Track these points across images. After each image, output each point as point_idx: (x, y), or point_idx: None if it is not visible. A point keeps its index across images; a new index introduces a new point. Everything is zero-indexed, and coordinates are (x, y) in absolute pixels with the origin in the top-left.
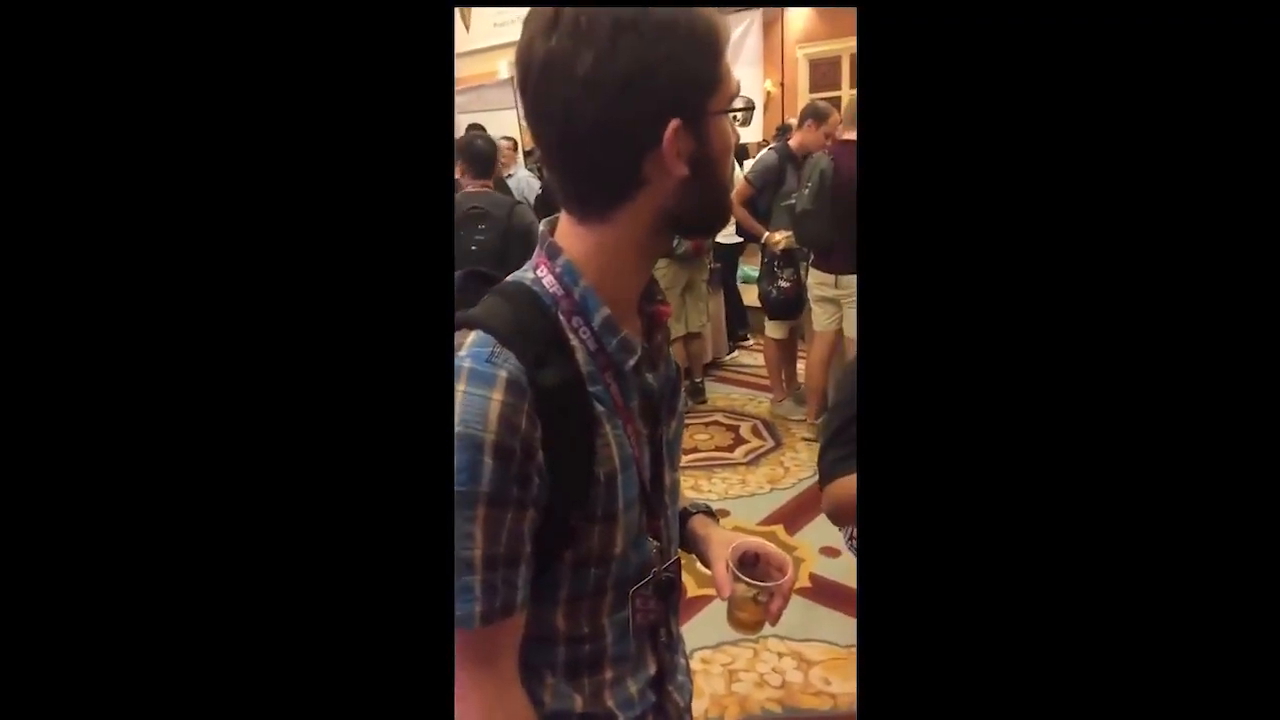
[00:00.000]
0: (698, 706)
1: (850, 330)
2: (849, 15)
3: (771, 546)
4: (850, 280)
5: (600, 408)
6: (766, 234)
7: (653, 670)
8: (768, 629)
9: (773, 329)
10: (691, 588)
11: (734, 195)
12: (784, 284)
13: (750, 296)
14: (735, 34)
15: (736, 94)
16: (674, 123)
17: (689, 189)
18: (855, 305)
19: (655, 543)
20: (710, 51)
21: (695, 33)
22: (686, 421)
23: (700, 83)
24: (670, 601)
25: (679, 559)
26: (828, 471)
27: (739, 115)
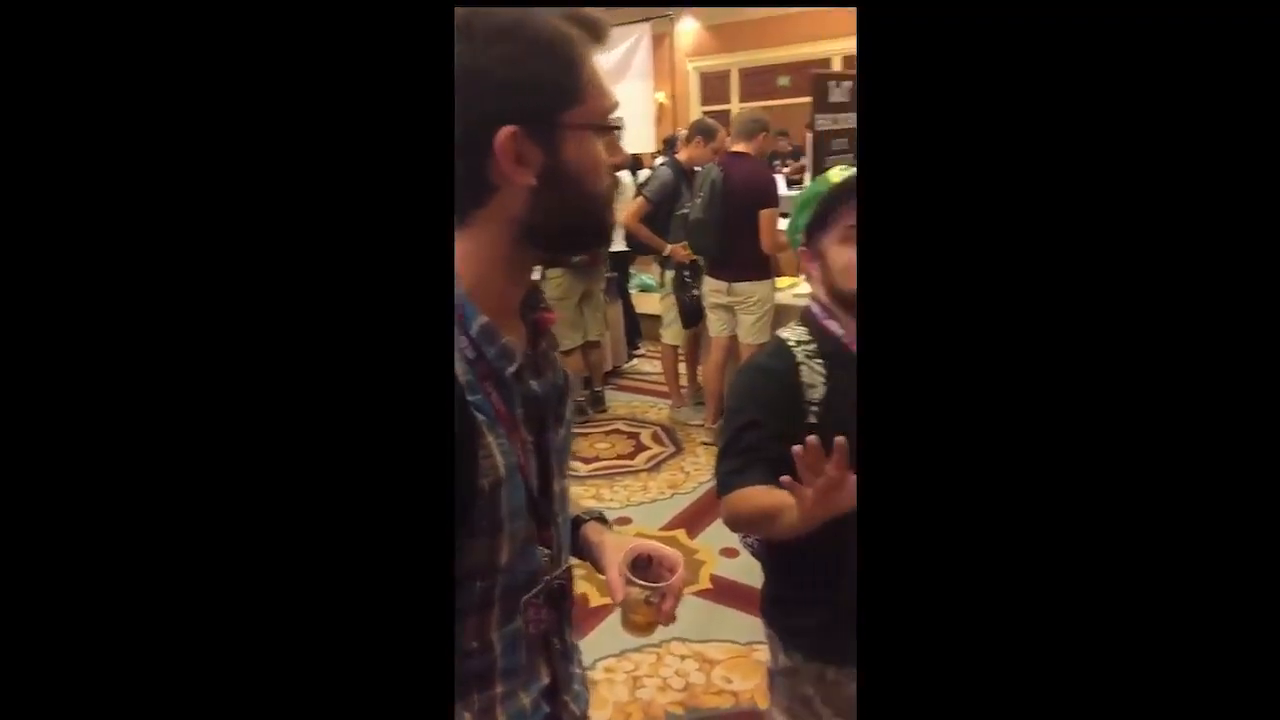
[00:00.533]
0: (600, 716)
1: (745, 336)
2: (739, 30)
3: (663, 547)
4: (744, 287)
5: (481, 417)
6: (670, 248)
7: (546, 681)
8: (671, 632)
9: (670, 335)
10: (594, 597)
11: (633, 212)
12: (696, 292)
13: (645, 305)
14: (623, 47)
15: (609, 110)
16: (507, 129)
17: (541, 201)
18: (750, 311)
19: (546, 551)
20: (559, 60)
21: (539, 39)
22: (587, 431)
23: (545, 90)
24: (563, 610)
25: (570, 567)
26: (724, 483)
27: (613, 133)
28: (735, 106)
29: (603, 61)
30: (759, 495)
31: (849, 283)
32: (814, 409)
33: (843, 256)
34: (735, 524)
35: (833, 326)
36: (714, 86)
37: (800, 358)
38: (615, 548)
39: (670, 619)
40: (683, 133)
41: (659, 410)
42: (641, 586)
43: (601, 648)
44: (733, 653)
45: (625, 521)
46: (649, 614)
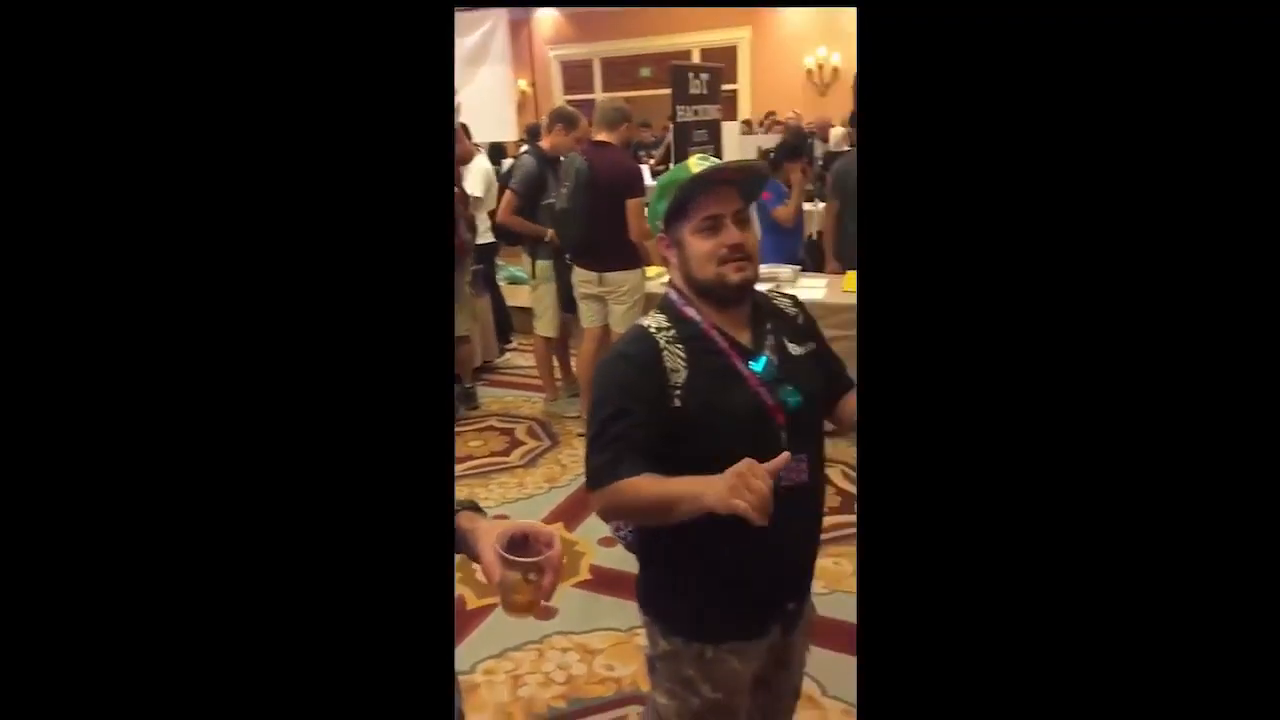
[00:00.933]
0: (480, 719)
1: (616, 325)
2: (599, 19)
3: (538, 524)
4: (614, 277)
5: None
6: (550, 233)
7: None
8: (552, 626)
9: (542, 327)
10: (470, 599)
11: (506, 206)
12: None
13: (516, 298)
14: (480, 32)
15: None
16: None
17: None
18: (621, 301)
19: None
20: None
21: None
22: (460, 429)
23: None
24: None
25: None
26: (597, 476)
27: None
28: (599, 95)
29: (459, 47)
30: (650, 486)
31: (704, 271)
32: (677, 393)
33: (699, 246)
34: (618, 515)
35: (690, 312)
36: (576, 75)
37: (662, 343)
38: (488, 531)
39: (549, 594)
40: (545, 121)
41: (533, 404)
42: (519, 563)
43: (480, 650)
44: (614, 640)
45: (503, 520)
46: (528, 592)
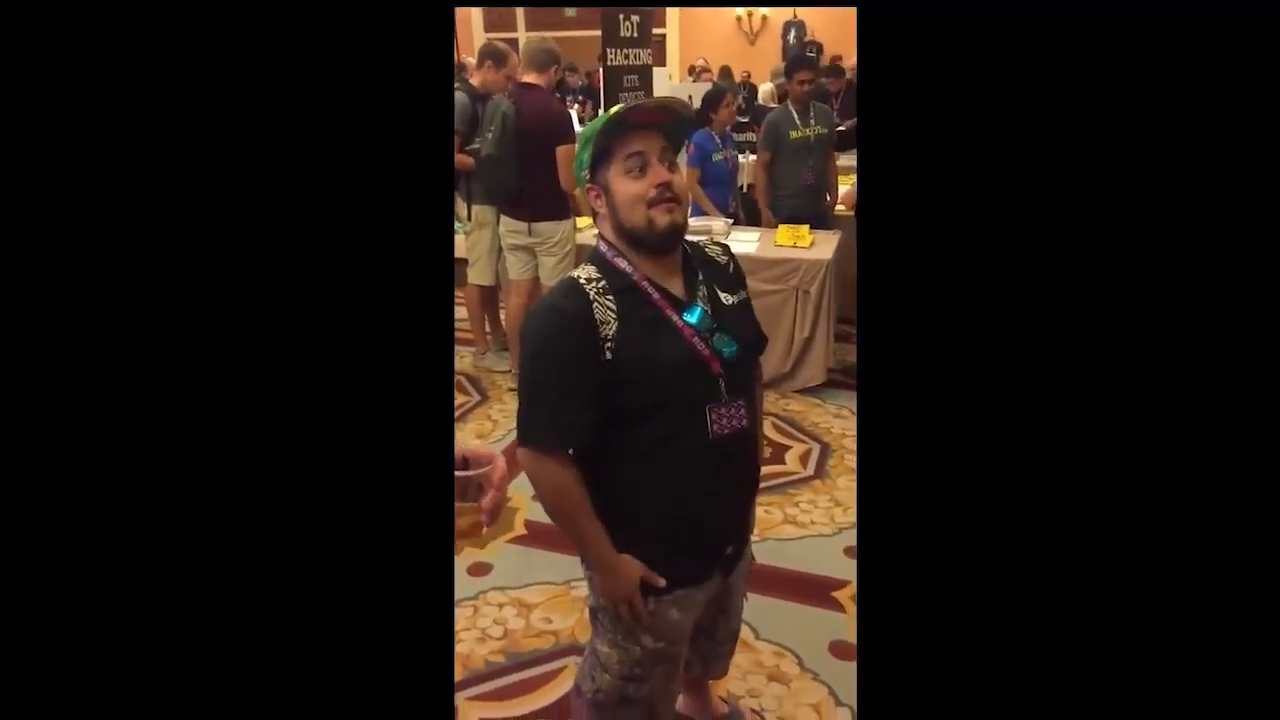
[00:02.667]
0: None
1: (547, 278)
2: None
3: (475, 444)
4: (543, 228)
5: None
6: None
7: None
8: (488, 582)
9: (475, 275)
10: None
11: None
12: None
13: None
14: None
15: None
16: None
17: None
18: (551, 253)
19: None
20: None
21: None
22: None
23: None
24: None
25: None
26: (524, 433)
27: None
28: (521, 35)
29: None
30: (574, 503)
31: (634, 216)
32: (609, 345)
33: (626, 188)
34: (536, 487)
35: (621, 264)
36: (498, 14)
37: (592, 296)
38: None
39: (493, 515)
40: (471, 60)
41: (462, 358)
42: (460, 478)
43: None
44: (551, 593)
45: None
46: (472, 514)
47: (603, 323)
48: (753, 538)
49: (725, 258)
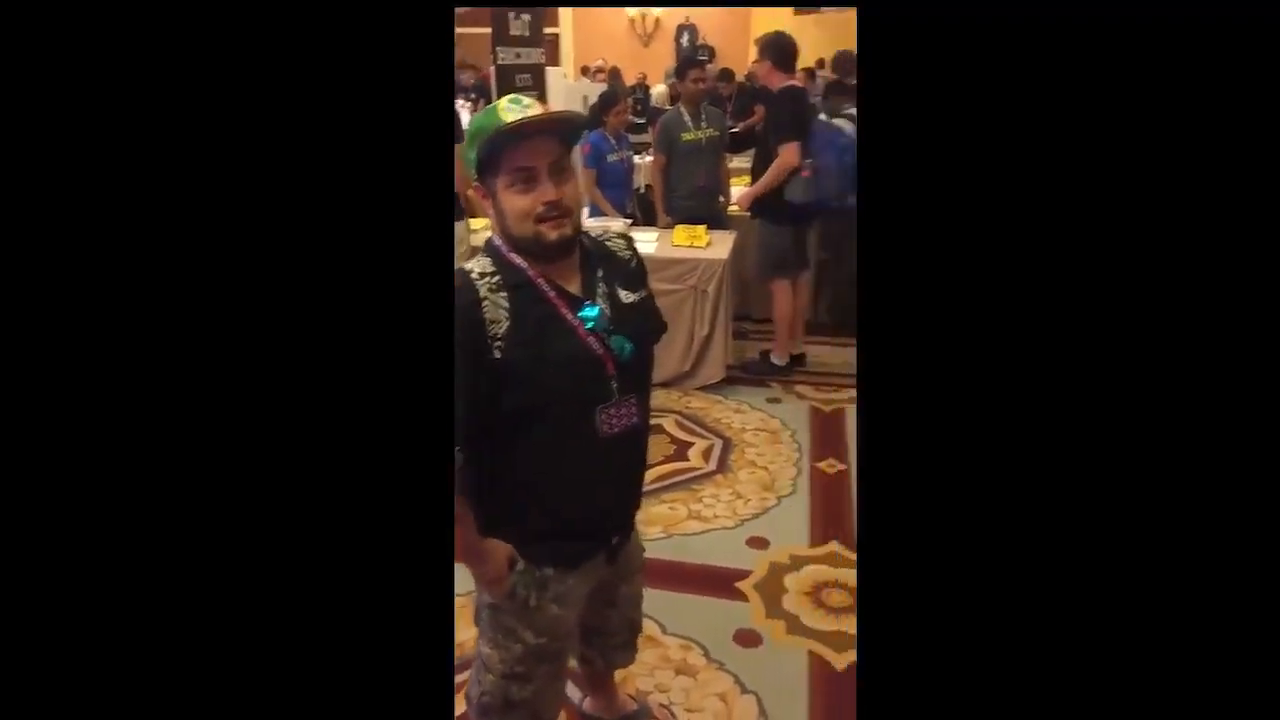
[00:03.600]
0: None
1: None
2: None
3: None
4: None
5: None
6: None
7: None
8: None
9: None
10: None
11: None
12: None
13: None
14: None
15: None
16: None
17: None
18: None
19: None
20: None
21: None
22: None
23: None
24: None
25: None
26: None
27: None
28: None
29: None
30: (466, 525)
31: (521, 229)
32: (498, 344)
33: (514, 202)
34: None
35: (516, 259)
36: None
37: (483, 292)
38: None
39: None
40: None
41: None
42: None
43: None
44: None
45: None
46: None
47: (492, 321)
48: (658, 534)
49: (628, 252)
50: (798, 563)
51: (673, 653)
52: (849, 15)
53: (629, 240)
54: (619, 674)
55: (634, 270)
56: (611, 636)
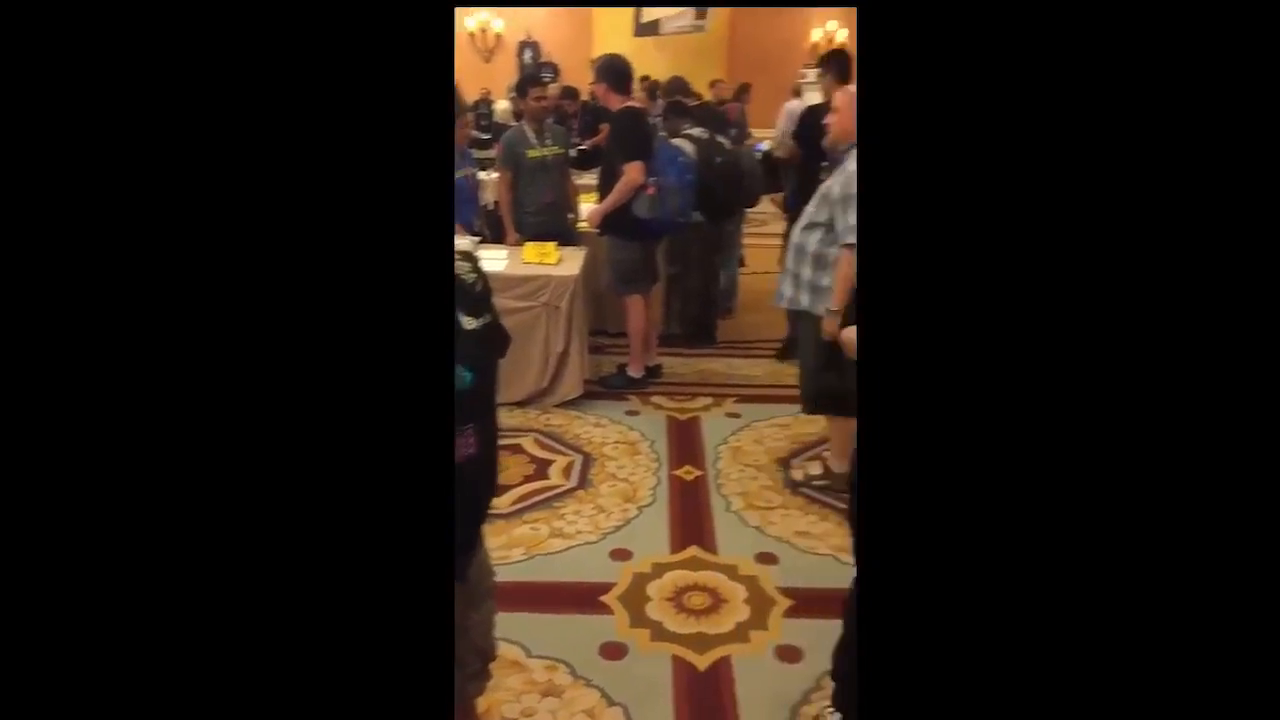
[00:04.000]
0: None
1: None
2: None
3: None
4: None
5: None
6: None
7: None
8: None
9: None
10: None
11: None
12: None
13: None
14: None
15: None
16: None
17: None
18: None
19: None
20: None
21: None
22: None
23: None
24: None
25: None
26: None
27: None
28: None
29: None
30: None
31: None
32: None
33: None
34: None
35: None
36: None
37: None
38: None
39: None
40: None
41: None
42: None
43: None
44: None
45: None
46: None
47: None
48: (520, 556)
49: (472, 275)
50: (659, 570)
51: (538, 675)
52: (686, 39)
53: (474, 261)
54: (483, 703)
55: (478, 294)
56: (464, 666)
